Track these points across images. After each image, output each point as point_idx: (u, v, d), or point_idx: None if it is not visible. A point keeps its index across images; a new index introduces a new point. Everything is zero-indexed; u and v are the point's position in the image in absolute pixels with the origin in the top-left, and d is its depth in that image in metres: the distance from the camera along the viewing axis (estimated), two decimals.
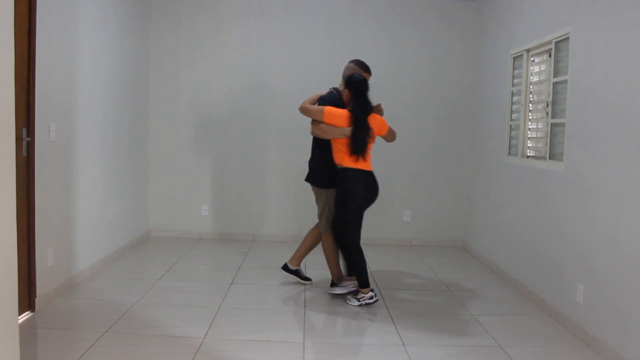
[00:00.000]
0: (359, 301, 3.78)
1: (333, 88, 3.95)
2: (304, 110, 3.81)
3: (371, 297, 3.78)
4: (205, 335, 3.12)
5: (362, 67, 3.90)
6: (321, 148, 3.91)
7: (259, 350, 3.01)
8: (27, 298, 3.29)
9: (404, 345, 3.11)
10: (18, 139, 3.12)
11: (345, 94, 3.79)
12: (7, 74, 1.98)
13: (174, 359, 2.83)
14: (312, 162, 4.02)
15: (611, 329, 2.98)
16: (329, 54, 5.56)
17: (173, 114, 5.73)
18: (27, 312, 3.30)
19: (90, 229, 4.23)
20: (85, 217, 4.11)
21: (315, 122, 3.78)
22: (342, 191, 3.76)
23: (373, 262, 5.03)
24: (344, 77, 3.90)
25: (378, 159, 5.69)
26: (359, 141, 3.67)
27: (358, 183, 3.72)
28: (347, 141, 3.68)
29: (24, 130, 3.24)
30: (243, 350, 2.97)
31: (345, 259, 3.93)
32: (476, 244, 5.41)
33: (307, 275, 4.30)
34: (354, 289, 3.89)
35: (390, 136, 4.01)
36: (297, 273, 4.20)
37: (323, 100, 3.83)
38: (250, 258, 5.02)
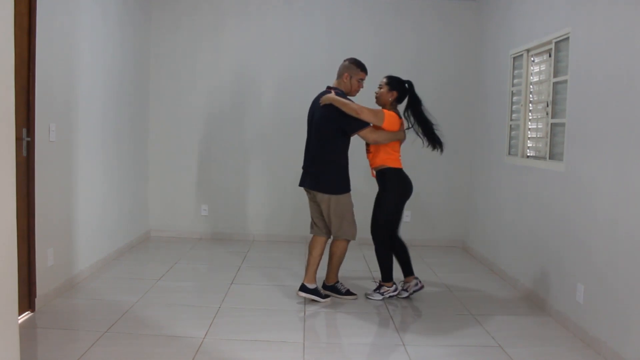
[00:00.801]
0: (382, 295, 3.90)
1: (335, 88, 3.82)
2: (363, 112, 3.62)
3: (395, 289, 3.92)
4: (205, 335, 3.12)
5: (359, 66, 3.86)
6: (337, 152, 3.74)
7: (259, 350, 3.01)
8: (27, 298, 3.29)
9: (404, 345, 3.11)
10: (18, 139, 3.12)
11: (392, 95, 3.86)
12: (7, 74, 1.98)
13: (174, 359, 2.83)
14: (325, 170, 3.74)
15: (611, 329, 2.98)
16: (328, 54, 5.55)
17: (173, 114, 5.73)
18: (27, 312, 3.30)
19: (90, 229, 4.23)
20: (85, 217, 4.11)
21: (372, 129, 3.69)
22: (393, 191, 3.83)
23: (373, 262, 5.02)
24: (338, 73, 3.87)
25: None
26: (431, 134, 3.86)
27: (404, 181, 3.87)
28: (395, 142, 3.81)
29: (24, 130, 3.23)
30: (243, 350, 2.97)
31: (380, 260, 3.94)
32: (476, 244, 5.41)
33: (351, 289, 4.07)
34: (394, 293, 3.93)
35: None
36: (334, 289, 3.95)
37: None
38: (250, 258, 5.02)
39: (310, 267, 3.81)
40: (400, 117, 3.85)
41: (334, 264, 3.90)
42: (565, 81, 3.66)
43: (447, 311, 3.76)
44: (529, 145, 4.37)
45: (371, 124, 3.70)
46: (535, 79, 4.28)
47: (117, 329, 3.16)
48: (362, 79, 3.87)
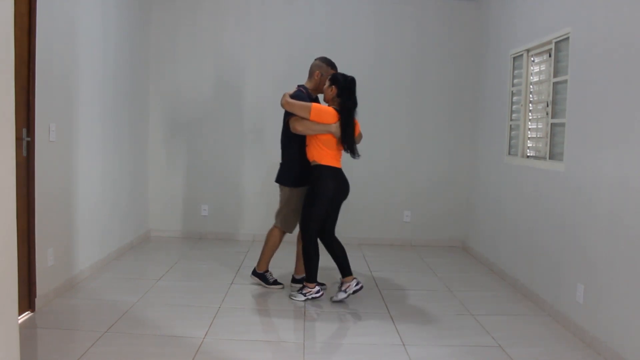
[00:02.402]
0: (305, 296, 3.84)
1: (301, 86, 3.96)
2: (289, 105, 3.74)
3: (318, 291, 3.86)
4: (205, 335, 3.12)
5: (329, 64, 3.98)
6: (299, 147, 3.86)
7: (259, 350, 3.01)
8: (27, 298, 3.29)
9: (404, 345, 3.11)
10: (18, 139, 3.12)
11: (332, 91, 3.79)
12: (7, 74, 1.98)
13: (174, 359, 2.83)
14: (288, 163, 3.96)
15: (611, 329, 2.98)
16: (328, 53, 5.53)
17: (173, 113, 5.73)
18: (27, 312, 3.30)
19: (90, 229, 4.23)
20: (85, 217, 4.11)
21: (297, 118, 3.73)
22: (318, 187, 3.75)
23: (373, 262, 5.03)
24: (309, 72, 3.98)
25: (378, 159, 5.74)
26: (350, 138, 3.76)
27: (332, 180, 3.77)
28: (328, 138, 3.72)
29: (24, 130, 3.23)
30: (243, 350, 2.97)
31: (305, 260, 3.87)
32: (476, 244, 5.41)
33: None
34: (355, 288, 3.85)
35: (359, 137, 3.98)
36: (263, 278, 4.12)
37: (294, 98, 3.80)
38: (250, 258, 5.01)
39: (299, 260, 4.10)
40: (339, 112, 3.73)
41: (266, 251, 4.07)
42: (565, 81, 3.66)
43: (447, 311, 3.76)
44: (529, 145, 4.37)
45: (304, 116, 3.69)
46: (535, 79, 4.28)
47: (117, 329, 3.15)
48: None
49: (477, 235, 5.40)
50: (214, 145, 5.75)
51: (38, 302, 3.38)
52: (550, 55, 3.95)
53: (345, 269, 3.88)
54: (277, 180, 4.05)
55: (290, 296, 3.89)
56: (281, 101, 3.78)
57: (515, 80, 4.61)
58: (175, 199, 5.79)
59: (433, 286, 4.36)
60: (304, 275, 3.97)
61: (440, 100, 5.77)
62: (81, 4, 3.97)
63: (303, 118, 3.70)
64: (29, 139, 3.27)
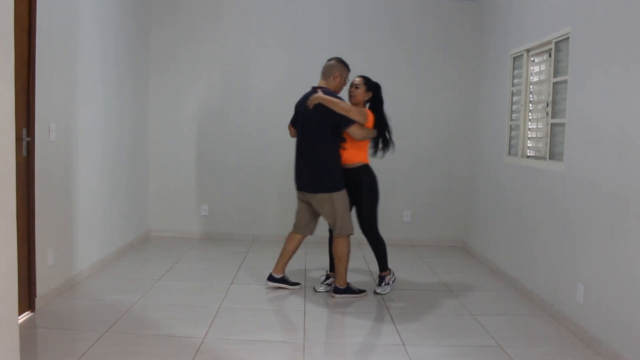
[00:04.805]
0: (389, 284, 4.07)
1: (322, 88, 3.88)
2: (352, 112, 3.72)
3: (393, 274, 4.14)
4: (205, 335, 3.12)
5: (346, 65, 3.99)
6: (331, 151, 3.83)
7: (259, 350, 3.01)
8: (27, 298, 3.29)
9: (404, 345, 3.11)
10: (18, 139, 3.12)
11: (367, 96, 3.95)
12: (7, 74, 1.98)
13: (174, 359, 2.83)
14: (323, 169, 3.82)
15: (611, 329, 2.98)
16: (328, 53, 5.53)
17: (173, 113, 5.73)
18: (27, 312, 3.30)
19: (90, 229, 4.23)
20: (85, 217, 4.11)
21: (359, 126, 3.77)
22: (373, 184, 3.95)
23: (373, 262, 5.02)
24: (325, 73, 3.94)
25: (377, 158, 5.72)
26: (390, 137, 4.02)
27: (375, 175, 4.00)
28: (367, 140, 3.94)
29: (24, 130, 3.23)
30: (243, 350, 2.97)
31: (378, 252, 4.08)
32: (476, 244, 5.41)
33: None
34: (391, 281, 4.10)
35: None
36: (349, 290, 3.96)
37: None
38: (250, 258, 5.01)
39: (281, 259, 4.06)
40: (375, 116, 3.96)
41: (342, 265, 3.90)
42: (565, 81, 3.66)
43: (447, 311, 3.76)
44: (529, 145, 4.37)
45: (362, 122, 3.80)
46: (535, 79, 4.28)
47: (117, 329, 3.15)
48: (348, 78, 4.01)
49: (477, 235, 5.40)
50: (214, 145, 5.75)
51: (38, 302, 3.38)
52: (550, 55, 3.95)
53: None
54: (328, 190, 3.80)
55: (376, 292, 4.01)
56: (344, 107, 3.70)
57: (515, 80, 4.61)
58: (175, 199, 5.79)
59: (433, 286, 4.36)
60: (283, 275, 4.07)
61: (440, 100, 5.77)
62: (81, 4, 3.97)
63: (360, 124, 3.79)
64: (29, 139, 3.27)
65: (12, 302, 2.04)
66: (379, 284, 4.08)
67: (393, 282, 4.12)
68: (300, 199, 4.05)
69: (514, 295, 4.17)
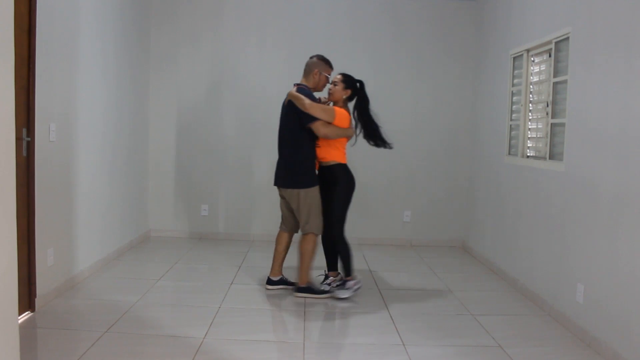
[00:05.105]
0: (349, 290, 3.88)
1: (301, 85, 3.89)
2: (312, 108, 3.70)
3: (357, 282, 3.93)
4: (205, 335, 3.12)
5: (327, 62, 3.96)
6: (301, 148, 3.82)
7: (259, 350, 3.01)
8: (27, 298, 3.29)
9: (404, 345, 3.11)
10: (18, 139, 3.12)
11: (345, 93, 3.87)
12: (7, 74, 1.98)
13: (174, 359, 2.83)
14: (292, 166, 3.86)
15: (611, 329, 2.98)
16: (327, 53, 5.53)
17: (173, 113, 5.73)
18: (27, 312, 3.30)
19: (90, 229, 4.23)
20: (85, 217, 4.11)
21: (324, 123, 3.73)
22: (343, 185, 3.85)
23: (373, 262, 5.03)
24: (306, 70, 3.93)
25: (378, 159, 5.74)
26: (376, 133, 3.88)
27: (350, 176, 3.91)
28: (344, 139, 3.87)
29: (24, 130, 3.23)
30: (243, 350, 2.97)
31: (342, 256, 3.95)
32: (476, 244, 5.41)
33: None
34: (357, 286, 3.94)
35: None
36: (310, 290, 3.94)
37: (308, 98, 3.76)
38: (250, 258, 5.02)
39: (275, 261, 4.04)
40: (350, 115, 3.89)
41: (303, 263, 3.90)
42: (565, 81, 3.66)
43: (447, 311, 3.76)
44: (529, 145, 4.37)
45: (328, 120, 3.75)
46: (535, 79, 4.28)
47: (117, 329, 3.15)
48: (329, 75, 3.97)
49: (477, 235, 5.40)
50: (214, 145, 5.75)
51: (38, 302, 3.38)
52: (550, 55, 3.95)
53: (332, 265, 4.06)
54: (296, 186, 3.83)
55: (335, 295, 3.87)
56: (304, 104, 3.69)
57: (515, 80, 4.61)
58: (175, 199, 5.79)
59: (433, 286, 4.36)
60: (281, 277, 4.06)
61: (440, 100, 5.77)
62: (81, 4, 3.97)
63: (326, 122, 3.74)
64: (29, 139, 3.27)
65: (12, 302, 2.04)
66: (340, 287, 3.92)
67: (355, 289, 3.90)
68: (280, 195, 4.07)
69: (514, 295, 4.17)
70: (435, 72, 5.73)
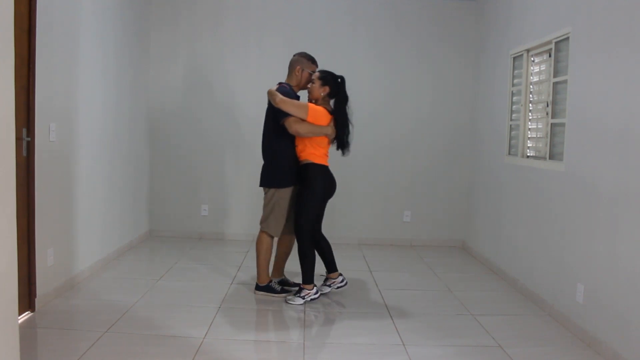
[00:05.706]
0: (303, 299, 3.78)
1: (284, 83, 3.85)
2: (284, 104, 3.59)
3: (316, 292, 3.82)
4: (205, 335, 3.12)
5: (310, 59, 3.88)
6: (277, 146, 3.76)
7: (259, 350, 3.01)
8: (27, 298, 3.29)
9: (404, 345, 3.11)
10: (18, 139, 3.12)
11: (324, 91, 3.76)
12: (7, 74, 1.98)
13: (174, 359, 2.83)
14: (274, 163, 3.79)
15: (611, 329, 2.98)
16: (327, 53, 5.55)
17: (173, 113, 5.73)
18: (27, 312, 3.29)
19: (90, 229, 4.23)
20: (85, 217, 4.11)
21: (296, 120, 3.62)
22: (313, 186, 3.72)
23: (373, 262, 5.03)
24: (289, 68, 3.88)
25: (378, 159, 5.74)
26: (346, 137, 3.79)
27: (325, 178, 3.79)
28: (322, 137, 3.73)
29: (24, 130, 3.23)
30: (243, 350, 2.97)
31: (304, 263, 3.83)
32: (476, 244, 5.41)
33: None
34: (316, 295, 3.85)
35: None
36: (269, 289, 3.92)
37: (284, 95, 3.67)
38: (250, 258, 5.01)
39: (275, 264, 4.04)
40: (330, 113, 3.76)
41: (258, 261, 3.88)
42: (565, 81, 3.66)
43: (447, 311, 3.76)
44: (529, 145, 4.37)
45: (301, 117, 3.63)
46: (535, 79, 4.28)
47: (117, 329, 3.15)
48: (313, 72, 3.86)
49: (477, 235, 5.40)
50: (214, 145, 5.75)
51: (38, 302, 3.38)
52: (550, 55, 3.95)
53: (331, 265, 3.98)
54: (264, 184, 3.83)
55: (287, 300, 3.79)
56: (275, 99, 3.61)
57: (515, 80, 4.61)
58: (175, 199, 5.79)
59: (433, 286, 4.36)
60: (282, 277, 4.05)
61: (440, 100, 5.77)
62: (81, 4, 3.97)
63: (299, 118, 3.63)
64: (29, 139, 3.27)
65: (12, 302, 2.04)
66: (295, 294, 3.81)
67: (310, 299, 3.78)
68: None
69: (514, 295, 4.17)
70: (435, 72, 5.73)
